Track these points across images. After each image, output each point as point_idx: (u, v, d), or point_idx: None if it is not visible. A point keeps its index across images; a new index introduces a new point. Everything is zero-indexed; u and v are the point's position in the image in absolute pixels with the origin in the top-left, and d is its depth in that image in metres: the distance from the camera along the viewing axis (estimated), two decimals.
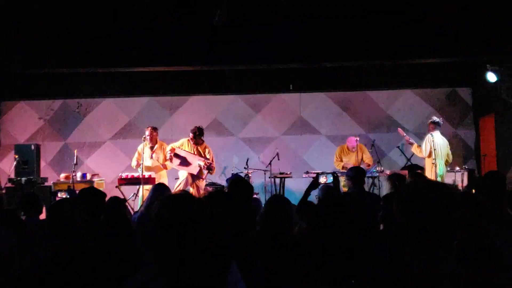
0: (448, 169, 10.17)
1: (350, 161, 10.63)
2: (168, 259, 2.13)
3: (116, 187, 9.72)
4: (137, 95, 12.58)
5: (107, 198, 5.37)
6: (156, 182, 8.76)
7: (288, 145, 12.41)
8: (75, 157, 10.00)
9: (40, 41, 9.25)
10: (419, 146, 10.02)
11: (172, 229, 2.14)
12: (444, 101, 12.60)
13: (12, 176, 10.56)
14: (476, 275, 1.76)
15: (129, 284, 2.21)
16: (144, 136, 9.86)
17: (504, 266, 3.02)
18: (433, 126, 9.90)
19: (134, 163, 9.99)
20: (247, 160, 11.05)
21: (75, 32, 9.20)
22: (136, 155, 10.01)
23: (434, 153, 9.57)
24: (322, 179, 8.59)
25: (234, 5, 8.68)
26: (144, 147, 9.87)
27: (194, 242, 2.14)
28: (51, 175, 11.57)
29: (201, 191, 9.69)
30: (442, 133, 10.02)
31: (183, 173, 9.73)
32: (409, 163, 11.11)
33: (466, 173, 10.53)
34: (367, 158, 10.77)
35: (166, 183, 8.53)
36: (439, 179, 9.56)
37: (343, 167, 10.60)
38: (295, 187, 11.20)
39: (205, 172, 9.70)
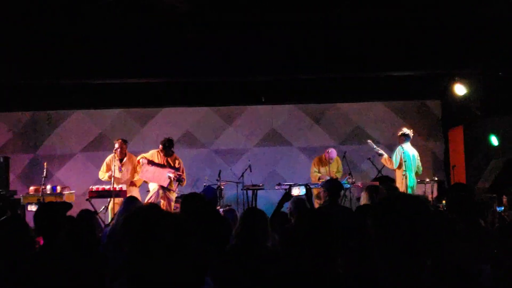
0: (418, 180, 10.30)
1: (326, 172, 10.73)
2: (135, 274, 2.11)
3: (87, 199, 9.58)
4: (108, 107, 12.46)
5: (78, 211, 5.29)
6: (127, 195, 8.68)
7: (260, 157, 12.41)
8: (45, 170, 9.83)
9: (9, 53, 9.12)
10: (390, 158, 10.13)
11: (136, 243, 2.12)
12: (414, 113, 12.77)
13: None
14: None
15: None
16: (114, 149, 9.77)
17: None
18: (403, 138, 10.02)
19: (101, 175, 9.89)
20: (219, 172, 11.02)
21: (45, 43, 9.09)
22: (103, 167, 9.91)
23: (405, 165, 9.69)
24: (295, 191, 8.64)
25: (206, 17, 8.69)
26: (113, 159, 9.75)
27: (160, 256, 2.12)
28: (20, 188, 11.34)
29: (172, 203, 9.62)
30: (412, 145, 10.15)
31: (153, 186, 9.66)
32: (380, 174, 11.21)
33: (435, 185, 10.70)
34: (339, 171, 10.88)
35: (137, 196, 8.45)
36: (409, 190, 9.67)
37: (319, 179, 10.67)
38: (268, 199, 11.21)
39: (176, 184, 9.65)
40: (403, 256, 1.80)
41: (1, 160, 10.74)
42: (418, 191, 10.20)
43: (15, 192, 10.68)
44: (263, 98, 12.39)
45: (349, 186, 10.44)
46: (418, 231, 1.80)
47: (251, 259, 3.70)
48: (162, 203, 9.41)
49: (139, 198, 7.28)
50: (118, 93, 11.85)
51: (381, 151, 10.30)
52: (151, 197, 9.51)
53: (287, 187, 9.62)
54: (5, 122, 12.40)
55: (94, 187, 9.79)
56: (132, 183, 9.87)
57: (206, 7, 8.44)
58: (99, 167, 10.18)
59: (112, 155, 9.80)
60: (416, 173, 10.09)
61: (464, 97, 9.53)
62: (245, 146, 12.64)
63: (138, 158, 9.70)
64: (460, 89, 9.55)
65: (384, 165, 10.56)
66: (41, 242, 4.02)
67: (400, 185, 9.68)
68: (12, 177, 11.62)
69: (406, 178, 9.66)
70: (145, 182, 9.93)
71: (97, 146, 12.41)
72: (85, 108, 12.46)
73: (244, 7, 8.49)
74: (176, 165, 9.72)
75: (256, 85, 11.96)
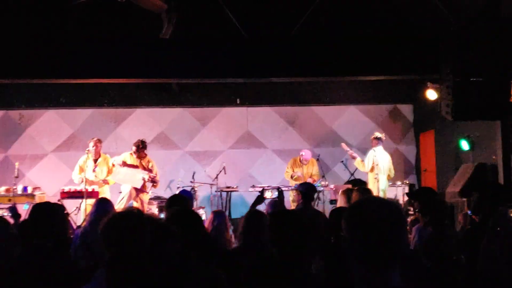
0: (390, 183, 10.42)
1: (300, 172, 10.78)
2: (114, 276, 2.11)
3: (58, 200, 9.45)
4: (81, 106, 12.34)
5: None
6: (99, 196, 8.60)
7: (234, 159, 12.41)
8: (16, 170, 9.70)
9: None
10: (362, 160, 10.24)
11: (116, 247, 2.13)
12: (386, 117, 12.93)
13: None
14: None
15: None
16: (87, 149, 9.60)
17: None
18: (376, 142, 10.14)
19: (75, 177, 9.66)
20: (194, 173, 11.01)
21: (16, 41, 8.97)
22: (76, 169, 9.68)
23: (377, 168, 9.80)
24: (268, 194, 8.65)
25: (182, 18, 8.68)
26: (86, 160, 9.59)
27: (140, 260, 2.13)
28: None
29: (145, 205, 9.57)
30: (384, 149, 10.27)
31: (126, 187, 9.57)
32: (352, 177, 11.31)
33: (407, 188, 10.84)
34: (316, 173, 10.92)
35: (109, 197, 8.38)
36: (381, 193, 9.80)
37: (291, 176, 10.71)
38: (242, 201, 11.22)
39: (149, 185, 9.61)
40: (376, 258, 1.83)
41: None
42: (390, 194, 10.33)
43: None
44: (238, 100, 12.42)
45: (322, 188, 10.52)
46: (390, 234, 1.83)
47: (257, 262, 3.72)
48: (136, 205, 9.35)
49: (109, 197, 7.25)
50: (91, 93, 11.76)
51: (354, 154, 10.40)
52: (123, 198, 9.41)
53: (261, 189, 9.65)
54: None
55: (66, 188, 9.67)
56: (104, 181, 9.71)
57: (181, 7, 8.45)
58: (71, 168, 10.03)
59: (85, 156, 9.60)
60: (388, 176, 10.22)
61: (436, 102, 9.66)
62: (220, 148, 12.62)
63: (111, 161, 9.60)
64: (431, 94, 9.69)
65: (357, 168, 10.67)
66: None
67: (372, 187, 9.79)
68: None
69: (378, 181, 9.77)
70: (118, 183, 9.83)
71: (69, 146, 12.27)
72: (57, 107, 12.31)
73: (219, 8, 8.53)
74: (149, 167, 9.67)
75: (231, 87, 11.98)
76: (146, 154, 9.80)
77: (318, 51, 9.30)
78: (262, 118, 12.80)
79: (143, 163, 9.66)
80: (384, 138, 10.26)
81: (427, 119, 12.08)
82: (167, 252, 2.30)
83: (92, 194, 9.25)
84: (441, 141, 11.57)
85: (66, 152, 12.16)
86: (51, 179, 11.79)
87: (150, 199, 9.91)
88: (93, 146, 9.53)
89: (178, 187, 10.57)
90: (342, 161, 11.39)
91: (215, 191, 11.04)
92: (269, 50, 9.34)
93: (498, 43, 7.83)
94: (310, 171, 10.81)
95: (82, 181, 9.35)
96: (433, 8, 8.39)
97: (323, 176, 10.77)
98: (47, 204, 4.27)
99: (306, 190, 6.57)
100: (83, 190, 9.20)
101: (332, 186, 10.48)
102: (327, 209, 9.06)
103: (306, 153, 10.88)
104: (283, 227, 3.24)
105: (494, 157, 9.09)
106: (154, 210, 9.61)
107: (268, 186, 9.67)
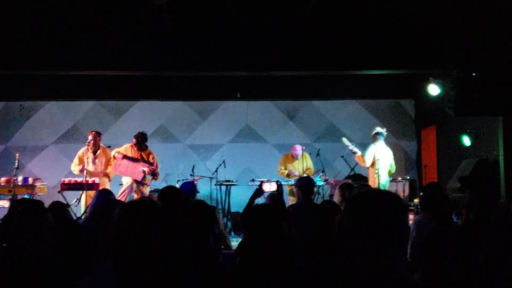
0: (391, 179, 10.39)
1: (295, 169, 10.74)
2: (124, 266, 2.10)
3: (59, 192, 9.48)
4: (82, 99, 12.33)
5: (49, 203, 5.24)
6: (100, 188, 8.61)
7: (234, 152, 12.39)
8: (16, 161, 9.69)
9: None
10: (363, 156, 10.20)
11: (130, 237, 2.11)
12: (388, 112, 12.89)
13: None
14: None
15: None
16: (87, 141, 9.66)
17: None
18: (377, 137, 10.09)
19: (73, 168, 9.77)
20: (193, 167, 11.01)
21: (17, 33, 8.94)
22: (76, 160, 9.79)
23: (377, 163, 9.76)
24: (267, 187, 8.63)
25: (183, 11, 8.65)
26: (86, 152, 9.65)
27: (152, 250, 2.12)
28: None
29: None
30: (386, 144, 10.23)
31: (127, 179, 9.59)
32: (352, 172, 11.29)
33: (407, 184, 10.82)
34: (310, 166, 10.88)
35: (109, 187, 8.39)
36: (381, 188, 9.76)
37: (287, 175, 10.69)
38: (241, 194, 11.21)
39: (149, 178, 9.61)
40: (378, 251, 1.81)
41: None
42: (390, 189, 10.28)
43: None
44: (238, 94, 12.39)
45: (322, 183, 10.50)
46: (391, 224, 1.81)
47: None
48: (136, 197, 9.35)
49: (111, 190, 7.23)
50: (92, 85, 11.74)
51: (355, 149, 10.35)
52: (124, 190, 9.44)
53: (260, 182, 9.63)
54: None
55: (66, 180, 9.70)
56: (105, 174, 9.77)
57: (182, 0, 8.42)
58: (71, 159, 10.05)
59: (85, 147, 9.70)
60: (389, 172, 10.17)
61: (437, 97, 9.62)
62: (220, 141, 12.61)
63: (113, 153, 9.62)
64: (433, 89, 9.63)
65: (357, 163, 10.64)
66: None
67: (372, 183, 9.77)
68: None
69: (378, 176, 9.73)
70: (118, 175, 9.84)
71: (70, 138, 12.28)
72: (58, 99, 12.30)
73: (220, 2, 8.50)
74: (150, 160, 9.68)
75: (231, 81, 11.95)
76: (147, 146, 9.82)
77: (319, 45, 9.28)
78: (262, 112, 12.78)
79: (144, 156, 9.66)
80: (385, 133, 10.22)
81: (428, 115, 12.03)
82: (179, 243, 2.28)
83: (92, 186, 9.29)
84: (443, 136, 11.54)
85: (67, 144, 12.16)
86: (51, 170, 11.81)
87: (150, 191, 9.91)
88: (92, 139, 9.63)
89: (178, 180, 10.57)
90: (343, 156, 11.36)
91: (215, 185, 11.03)
92: (270, 43, 9.33)
93: (502, 38, 7.81)
94: (304, 166, 10.72)
95: (80, 172, 9.39)
96: (436, 2, 8.35)
97: (322, 171, 10.73)
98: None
99: (305, 185, 6.54)
100: (84, 181, 9.23)
101: (332, 181, 10.46)
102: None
103: (297, 149, 10.82)
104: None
105: (495, 152, 9.07)
106: None
107: (267, 180, 9.66)
